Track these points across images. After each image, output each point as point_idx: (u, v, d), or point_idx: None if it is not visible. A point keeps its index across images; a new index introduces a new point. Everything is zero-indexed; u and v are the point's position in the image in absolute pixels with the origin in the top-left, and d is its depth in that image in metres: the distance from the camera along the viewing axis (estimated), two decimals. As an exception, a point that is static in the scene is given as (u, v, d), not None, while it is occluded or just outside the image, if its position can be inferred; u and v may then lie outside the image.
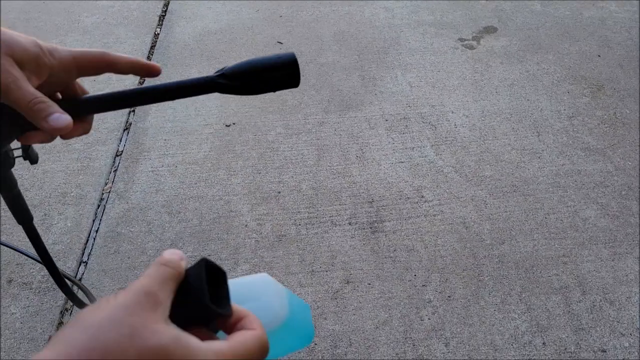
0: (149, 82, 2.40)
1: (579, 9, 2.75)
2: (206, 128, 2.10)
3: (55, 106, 0.55)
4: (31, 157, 0.77)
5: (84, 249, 1.71)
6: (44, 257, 0.91)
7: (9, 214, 1.77)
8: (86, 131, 0.61)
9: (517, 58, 2.45)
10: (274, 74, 0.56)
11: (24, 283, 1.61)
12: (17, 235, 1.74)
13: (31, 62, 0.55)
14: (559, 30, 2.62)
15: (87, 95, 0.61)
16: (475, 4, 2.84)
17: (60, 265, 1.66)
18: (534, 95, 2.25)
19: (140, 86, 0.57)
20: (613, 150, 1.99)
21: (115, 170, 1.98)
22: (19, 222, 0.84)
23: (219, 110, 2.18)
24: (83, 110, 0.59)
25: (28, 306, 1.55)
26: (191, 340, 0.35)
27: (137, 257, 1.67)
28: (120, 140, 2.11)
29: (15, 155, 0.73)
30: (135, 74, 0.61)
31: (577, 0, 2.82)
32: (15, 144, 0.64)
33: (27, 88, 0.54)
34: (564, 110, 2.17)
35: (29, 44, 0.55)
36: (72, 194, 1.88)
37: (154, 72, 0.62)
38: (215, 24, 2.77)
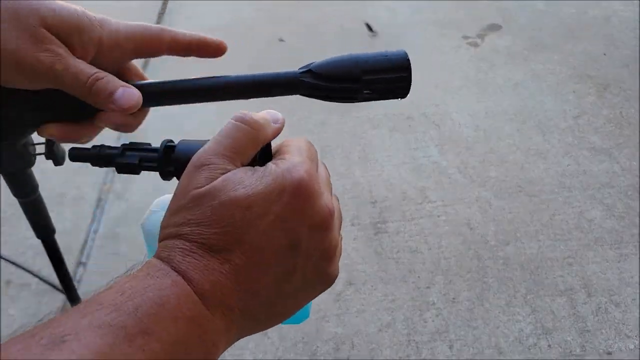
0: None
1: (583, 7, 2.73)
2: (205, 127, 2.08)
3: (116, 79, 0.44)
4: (56, 155, 0.63)
5: (83, 250, 1.69)
6: (64, 280, 0.79)
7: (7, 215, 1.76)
8: (138, 124, 0.51)
9: (522, 57, 2.43)
10: (380, 77, 0.44)
11: (23, 284, 1.59)
12: (19, 236, 1.73)
13: (74, 33, 0.43)
14: (564, 29, 2.60)
15: (146, 82, 0.49)
16: (479, 2, 2.81)
17: (58, 266, 1.64)
18: (539, 95, 2.23)
19: (207, 77, 0.49)
20: (619, 150, 1.96)
21: (114, 170, 1.96)
22: (38, 236, 0.71)
23: (218, 109, 2.16)
24: (146, 99, 0.47)
25: (27, 307, 1.54)
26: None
27: (136, 258, 1.65)
28: (120, 140, 2.10)
29: (38, 152, 0.60)
30: (199, 54, 0.50)
31: (582, -1, 2.80)
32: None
33: (78, 65, 0.42)
34: (569, 110, 2.15)
35: (71, 11, 0.43)
36: (70, 195, 1.86)
37: (221, 50, 0.50)
38: (215, 22, 2.75)
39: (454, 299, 1.54)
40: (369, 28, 2.64)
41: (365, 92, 0.44)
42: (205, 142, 0.42)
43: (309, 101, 0.50)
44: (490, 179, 1.88)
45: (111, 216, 1.79)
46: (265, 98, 0.47)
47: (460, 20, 2.70)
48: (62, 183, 1.90)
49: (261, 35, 2.64)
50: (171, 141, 0.48)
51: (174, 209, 0.37)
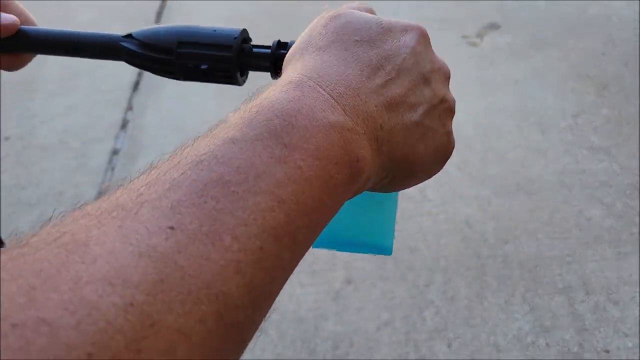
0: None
1: (583, 5, 2.72)
2: (205, 126, 2.07)
3: None
4: None
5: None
6: None
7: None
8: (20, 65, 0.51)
9: (522, 55, 2.43)
10: (196, 52, 0.41)
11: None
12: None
13: None
14: (564, 27, 2.59)
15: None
16: (479, 0, 2.81)
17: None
18: (539, 93, 2.23)
19: (62, 31, 0.46)
20: (618, 149, 1.96)
21: (113, 169, 1.96)
22: None
23: (217, 107, 2.16)
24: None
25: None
26: None
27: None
28: (118, 138, 2.09)
29: None
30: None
31: (581, -3, 2.80)
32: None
33: None
34: (569, 108, 2.14)
35: None
36: (69, 193, 1.86)
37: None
38: (214, 21, 2.75)
39: (452, 297, 1.54)
40: None
41: (180, 66, 0.42)
42: None
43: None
44: (489, 176, 1.88)
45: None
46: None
47: (460, 17, 2.69)
48: (61, 181, 1.90)
49: (260, 33, 2.63)
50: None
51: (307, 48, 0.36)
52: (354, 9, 0.39)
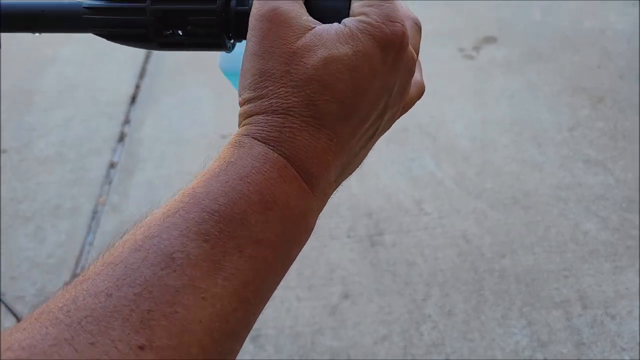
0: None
1: (579, 18, 2.74)
2: (202, 139, 2.08)
3: None
4: None
5: (78, 262, 1.68)
6: None
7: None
8: None
9: (517, 68, 2.44)
10: (177, 9, 0.35)
11: (17, 297, 1.59)
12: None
13: None
14: (559, 40, 2.61)
15: None
16: (475, 12, 2.83)
17: (53, 278, 1.63)
18: (535, 106, 2.24)
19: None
20: (614, 162, 1.97)
21: (110, 182, 1.96)
22: None
23: (215, 120, 2.16)
24: None
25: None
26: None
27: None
28: (115, 151, 2.09)
29: None
30: None
31: (577, 10, 2.82)
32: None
33: None
34: (565, 121, 2.16)
35: None
36: (65, 207, 1.86)
37: None
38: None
39: (450, 311, 1.54)
40: None
41: (155, 27, 0.36)
42: None
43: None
44: (486, 190, 1.88)
45: (107, 229, 1.78)
46: None
47: (457, 30, 2.71)
48: (58, 195, 1.90)
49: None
50: None
51: (255, 72, 0.33)
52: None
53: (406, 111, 0.40)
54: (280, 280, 0.30)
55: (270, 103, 0.32)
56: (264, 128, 0.31)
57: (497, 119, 2.18)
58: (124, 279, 0.24)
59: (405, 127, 2.14)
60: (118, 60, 2.54)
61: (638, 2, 2.82)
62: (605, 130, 2.11)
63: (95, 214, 1.84)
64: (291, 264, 0.31)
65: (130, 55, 2.55)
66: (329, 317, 1.53)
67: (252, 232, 0.28)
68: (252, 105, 0.33)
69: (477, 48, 2.58)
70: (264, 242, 0.28)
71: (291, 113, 0.31)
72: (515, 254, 1.68)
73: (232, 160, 0.30)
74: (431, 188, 1.89)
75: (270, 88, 0.32)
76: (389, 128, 0.38)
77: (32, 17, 0.39)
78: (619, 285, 1.59)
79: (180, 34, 0.36)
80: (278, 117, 0.31)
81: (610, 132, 2.10)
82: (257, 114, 0.32)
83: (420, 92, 0.41)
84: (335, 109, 0.31)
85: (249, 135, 0.32)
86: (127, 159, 2.04)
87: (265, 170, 0.29)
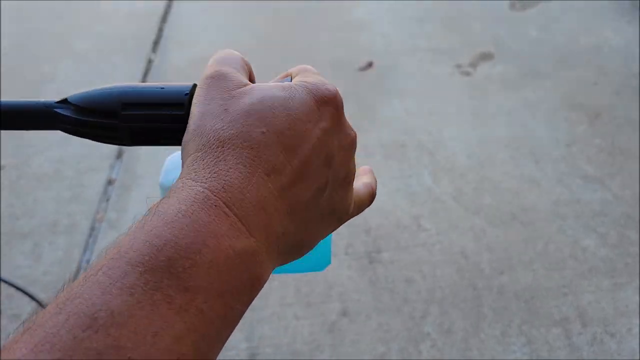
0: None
1: (575, 35, 2.77)
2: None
3: None
4: None
5: (75, 280, 1.67)
6: None
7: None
8: None
9: (514, 85, 2.46)
10: (144, 114, 0.36)
11: (14, 315, 1.58)
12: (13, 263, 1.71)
13: None
14: (556, 57, 2.63)
15: None
16: (472, 30, 2.85)
17: (50, 296, 1.62)
18: (532, 123, 2.25)
19: None
20: (611, 178, 1.97)
21: (108, 199, 1.95)
22: None
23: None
24: None
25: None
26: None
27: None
28: (113, 168, 2.09)
29: None
30: None
31: (573, 28, 2.84)
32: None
33: None
34: (562, 138, 2.16)
35: None
36: (63, 223, 1.85)
37: None
38: (210, 50, 2.76)
39: (448, 329, 1.53)
40: (369, 64, 2.65)
41: (126, 130, 0.36)
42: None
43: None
44: (484, 206, 1.88)
45: (104, 246, 1.77)
46: None
47: (454, 47, 2.73)
48: (55, 211, 1.89)
49: (255, 63, 2.65)
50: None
51: (196, 118, 0.33)
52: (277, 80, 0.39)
53: (359, 212, 0.40)
54: (228, 334, 0.28)
55: (208, 139, 0.32)
56: (198, 166, 0.31)
57: (494, 135, 2.19)
58: (42, 345, 0.23)
59: (404, 144, 2.15)
60: (116, 79, 2.54)
61: (636, 19, 2.84)
62: (602, 146, 2.12)
63: (92, 231, 1.83)
64: (238, 317, 0.29)
65: (127, 76, 2.56)
66: (327, 335, 1.52)
67: (180, 279, 0.26)
68: (190, 145, 0.33)
69: (473, 65, 2.59)
70: (193, 290, 0.26)
71: (227, 146, 0.31)
72: (514, 270, 1.67)
73: (160, 208, 0.29)
74: (429, 204, 1.89)
75: (207, 125, 0.32)
76: (343, 200, 0.37)
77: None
78: (618, 303, 1.58)
79: (153, 129, 0.37)
80: (213, 152, 0.31)
81: (608, 148, 2.11)
82: (195, 152, 0.32)
83: (372, 196, 0.42)
84: (272, 141, 0.31)
85: (182, 178, 0.31)
86: (125, 175, 2.04)
87: (192, 212, 0.28)
